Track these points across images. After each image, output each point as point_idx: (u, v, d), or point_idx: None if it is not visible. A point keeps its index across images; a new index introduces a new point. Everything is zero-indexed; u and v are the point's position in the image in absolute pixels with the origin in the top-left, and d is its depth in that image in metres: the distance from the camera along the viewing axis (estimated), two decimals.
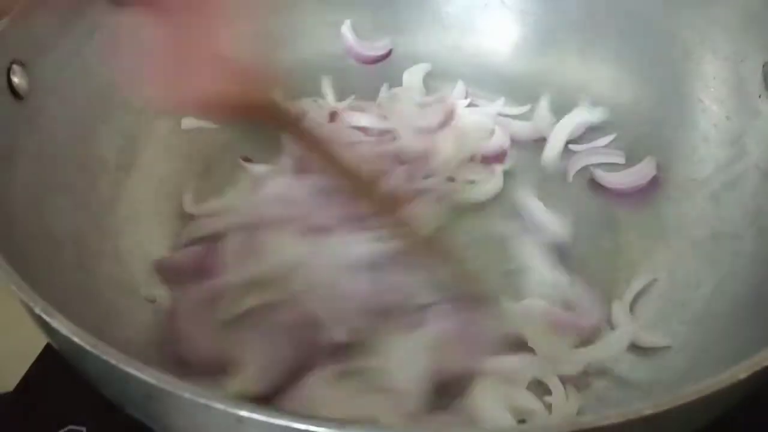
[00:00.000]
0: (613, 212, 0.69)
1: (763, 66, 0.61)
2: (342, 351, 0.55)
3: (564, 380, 0.56)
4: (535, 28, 0.79)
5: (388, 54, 0.81)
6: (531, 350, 0.58)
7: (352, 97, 0.77)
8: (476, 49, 0.81)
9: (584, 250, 0.66)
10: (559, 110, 0.76)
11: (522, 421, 0.53)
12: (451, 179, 0.70)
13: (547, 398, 0.55)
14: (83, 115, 0.65)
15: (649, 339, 0.59)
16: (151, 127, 0.72)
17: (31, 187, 0.57)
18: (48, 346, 0.60)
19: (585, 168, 0.72)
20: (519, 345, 0.58)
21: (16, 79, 0.57)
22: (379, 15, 0.80)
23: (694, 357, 0.56)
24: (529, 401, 0.55)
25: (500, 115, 0.76)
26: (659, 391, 0.54)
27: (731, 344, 0.54)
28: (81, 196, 0.63)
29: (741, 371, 0.40)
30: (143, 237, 0.65)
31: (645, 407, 0.37)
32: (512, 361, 0.56)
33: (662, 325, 0.60)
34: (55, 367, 0.51)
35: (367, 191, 0.62)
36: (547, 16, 0.78)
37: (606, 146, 0.73)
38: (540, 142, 0.74)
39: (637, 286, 0.63)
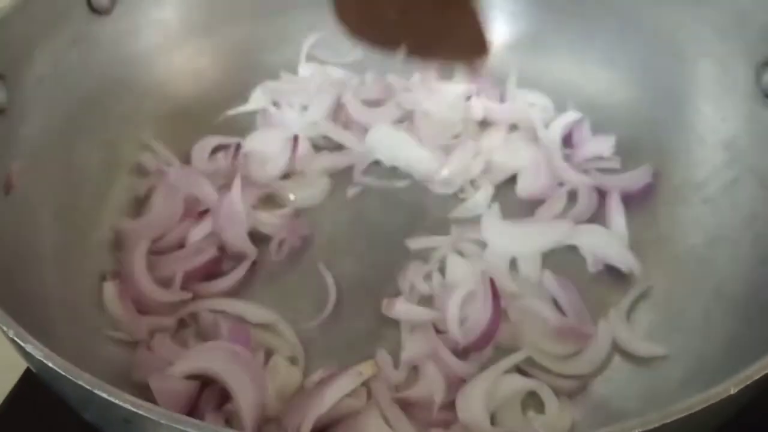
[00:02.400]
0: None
1: (756, 67, 0.61)
2: None
3: (558, 391, 0.55)
4: (527, 29, 0.78)
5: None
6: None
7: None
8: None
9: (579, 256, 0.65)
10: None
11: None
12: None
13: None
14: (64, 127, 0.64)
15: (646, 349, 0.58)
16: (134, 136, 0.71)
17: (12, 201, 0.56)
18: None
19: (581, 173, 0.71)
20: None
21: None
22: None
23: (692, 365, 0.55)
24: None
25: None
26: (657, 401, 0.53)
27: (730, 351, 0.53)
28: (63, 209, 0.62)
29: (732, 385, 0.39)
30: None
31: (634, 425, 0.37)
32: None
33: (660, 334, 0.59)
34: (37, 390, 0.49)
35: None
36: (538, 18, 0.77)
37: (603, 152, 0.72)
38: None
39: (633, 293, 0.62)
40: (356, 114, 0.75)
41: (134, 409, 0.36)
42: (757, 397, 0.42)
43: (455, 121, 0.75)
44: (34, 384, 0.59)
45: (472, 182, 0.71)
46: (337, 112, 0.76)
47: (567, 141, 0.74)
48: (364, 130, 0.74)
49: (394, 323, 0.60)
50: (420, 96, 0.77)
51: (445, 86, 0.78)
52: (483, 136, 0.75)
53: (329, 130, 0.75)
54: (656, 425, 0.37)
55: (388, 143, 0.73)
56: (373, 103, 0.77)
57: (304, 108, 0.76)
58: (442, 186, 0.71)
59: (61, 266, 0.59)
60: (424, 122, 0.74)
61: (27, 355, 0.41)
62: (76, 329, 0.55)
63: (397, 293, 0.61)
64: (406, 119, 0.75)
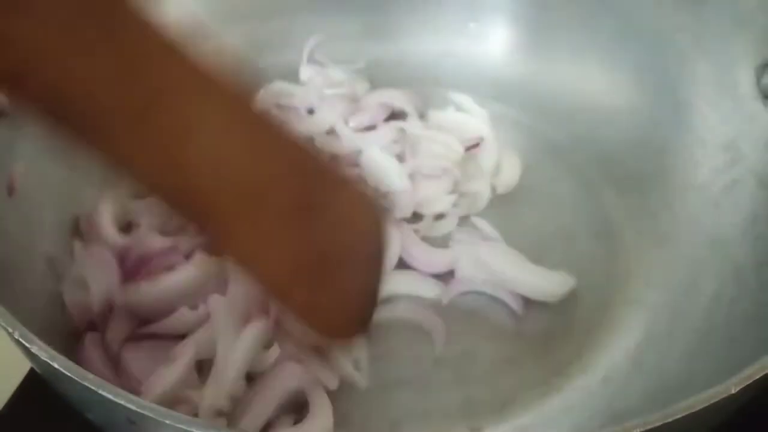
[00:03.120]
0: (609, 218, 0.68)
1: (756, 69, 0.61)
2: None
3: None
4: (528, 31, 0.78)
5: None
6: None
7: None
8: (468, 54, 0.80)
9: (579, 257, 0.65)
10: (552, 113, 0.76)
11: None
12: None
13: None
14: None
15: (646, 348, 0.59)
16: None
17: (15, 203, 0.57)
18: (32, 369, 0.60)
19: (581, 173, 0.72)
20: None
21: None
22: (368, 20, 0.80)
23: (692, 366, 0.55)
24: None
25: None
26: (658, 401, 0.53)
27: (730, 352, 0.53)
28: (66, 211, 0.62)
29: (733, 385, 0.39)
30: None
31: (635, 424, 0.37)
32: None
33: (659, 334, 0.59)
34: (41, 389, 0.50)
35: None
36: (539, 20, 0.77)
37: None
38: None
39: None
40: (349, 143, 0.74)
41: (138, 410, 0.37)
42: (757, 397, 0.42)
43: (452, 147, 0.73)
44: (37, 386, 0.59)
45: (437, 216, 0.69)
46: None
47: None
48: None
49: None
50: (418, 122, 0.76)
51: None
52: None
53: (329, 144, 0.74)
54: (658, 424, 0.37)
55: (376, 168, 0.71)
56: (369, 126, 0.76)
57: (308, 112, 0.76)
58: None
59: (65, 268, 0.59)
60: (420, 146, 0.73)
61: (32, 356, 0.41)
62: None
63: None
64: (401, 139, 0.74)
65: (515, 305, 0.61)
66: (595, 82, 0.75)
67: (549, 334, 0.61)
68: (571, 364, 0.58)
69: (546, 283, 0.62)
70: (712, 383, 0.39)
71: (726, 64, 0.64)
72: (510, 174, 0.72)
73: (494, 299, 0.62)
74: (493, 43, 0.80)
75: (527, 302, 0.62)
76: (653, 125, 0.71)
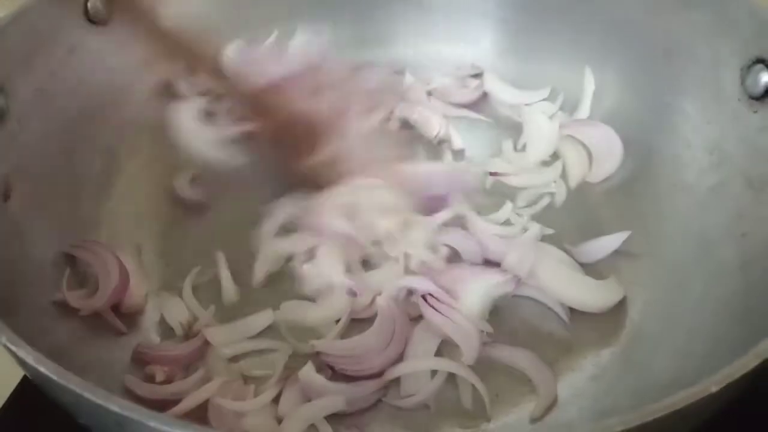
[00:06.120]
0: (598, 219, 0.69)
1: (741, 70, 0.61)
2: None
3: None
4: (516, 36, 0.79)
5: None
6: None
7: None
8: (458, 58, 0.81)
9: None
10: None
11: None
12: None
13: None
14: (63, 135, 0.65)
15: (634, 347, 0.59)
16: (132, 144, 0.72)
17: (11, 208, 0.57)
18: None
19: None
20: None
21: None
22: (360, 25, 0.80)
23: (681, 364, 0.55)
24: None
25: None
26: (648, 399, 0.53)
27: (717, 351, 0.53)
28: (62, 217, 0.63)
29: (713, 384, 0.39)
30: None
31: (615, 423, 0.37)
32: None
33: (650, 333, 0.60)
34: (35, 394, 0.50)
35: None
36: (528, 25, 0.78)
37: None
38: None
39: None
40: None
41: (123, 412, 0.37)
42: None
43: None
44: (32, 388, 0.60)
45: None
46: None
47: None
48: None
49: None
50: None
51: None
52: None
53: None
54: (637, 423, 0.37)
55: None
56: None
57: None
58: None
59: (59, 273, 0.59)
60: None
61: (20, 360, 0.42)
62: (74, 335, 0.56)
63: None
64: None
65: (563, 314, 0.62)
66: (582, 84, 0.76)
67: (538, 332, 0.61)
68: (559, 362, 0.59)
69: (595, 295, 0.63)
70: (700, 382, 0.39)
71: (711, 65, 0.64)
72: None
73: None
74: (481, 47, 0.81)
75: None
76: (640, 127, 0.71)
